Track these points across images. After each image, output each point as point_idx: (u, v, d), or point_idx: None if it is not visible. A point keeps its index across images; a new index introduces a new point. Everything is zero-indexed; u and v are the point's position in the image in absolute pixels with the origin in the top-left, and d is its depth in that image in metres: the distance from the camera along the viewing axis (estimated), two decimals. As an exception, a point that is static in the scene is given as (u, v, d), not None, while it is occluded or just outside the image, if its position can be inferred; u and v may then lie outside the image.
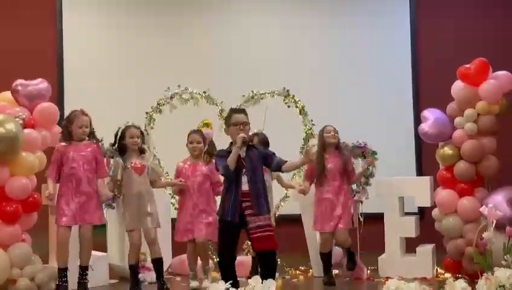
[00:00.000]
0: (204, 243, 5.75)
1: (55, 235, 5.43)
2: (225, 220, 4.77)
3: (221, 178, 5.22)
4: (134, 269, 5.54)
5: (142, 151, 5.66)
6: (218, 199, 5.67)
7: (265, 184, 4.95)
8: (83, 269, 5.41)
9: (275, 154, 4.90)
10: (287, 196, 6.77)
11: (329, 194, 5.79)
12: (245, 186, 4.75)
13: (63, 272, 5.34)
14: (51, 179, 5.40)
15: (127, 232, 5.58)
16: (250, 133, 5.21)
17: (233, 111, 4.98)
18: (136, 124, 5.70)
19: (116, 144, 5.63)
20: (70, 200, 5.33)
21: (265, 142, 5.78)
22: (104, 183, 5.57)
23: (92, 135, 5.53)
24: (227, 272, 4.72)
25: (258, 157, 4.83)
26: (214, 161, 5.32)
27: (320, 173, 5.79)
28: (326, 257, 5.84)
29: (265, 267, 4.75)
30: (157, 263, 5.54)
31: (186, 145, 5.89)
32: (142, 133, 5.71)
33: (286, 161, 4.83)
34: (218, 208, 4.99)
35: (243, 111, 5.00)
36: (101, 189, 5.52)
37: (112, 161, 5.74)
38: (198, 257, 5.89)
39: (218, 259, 4.89)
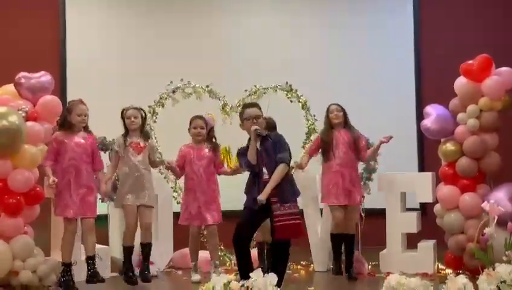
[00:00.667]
0: (214, 229, 5.79)
1: (59, 228, 5.45)
2: (249, 206, 4.85)
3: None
4: (129, 250, 5.55)
5: (143, 132, 5.71)
6: (220, 178, 5.89)
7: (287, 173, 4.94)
8: (91, 259, 5.43)
9: (284, 148, 4.90)
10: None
11: (339, 167, 5.78)
12: (266, 177, 4.81)
13: (68, 267, 5.38)
14: (49, 167, 5.40)
15: (123, 209, 5.61)
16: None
17: (246, 106, 5.08)
18: (136, 106, 5.73)
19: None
20: (72, 192, 5.36)
21: (273, 126, 5.78)
22: (104, 178, 5.61)
23: (86, 128, 5.56)
24: (239, 252, 4.75)
25: (273, 148, 4.86)
26: (215, 146, 5.79)
27: (327, 148, 5.79)
28: (337, 240, 5.81)
29: (275, 254, 4.79)
30: (146, 247, 5.61)
31: (189, 130, 5.94)
32: (144, 114, 5.75)
33: (281, 163, 4.81)
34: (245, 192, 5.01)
35: (255, 105, 5.08)
36: (102, 185, 5.57)
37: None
38: (197, 249, 5.92)
39: (233, 240, 4.86)
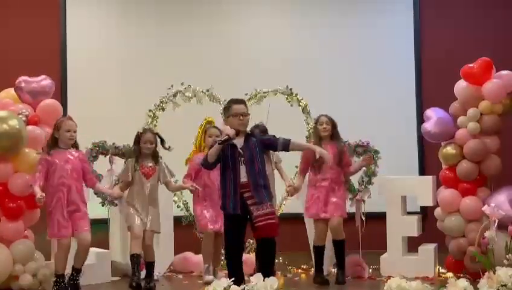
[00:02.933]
0: (220, 237, 5.78)
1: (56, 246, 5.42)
2: (228, 214, 4.79)
3: None
4: (134, 259, 5.54)
5: (155, 157, 5.65)
6: None
7: (265, 173, 4.93)
8: (77, 271, 5.40)
9: (275, 136, 4.89)
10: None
11: (325, 182, 5.74)
12: (243, 178, 4.76)
13: (62, 277, 5.34)
14: (38, 186, 5.24)
15: (128, 227, 5.61)
16: (253, 125, 5.20)
17: (233, 102, 4.95)
18: (152, 129, 5.75)
19: (134, 146, 5.67)
20: (63, 211, 5.29)
21: (264, 132, 5.76)
22: (102, 186, 5.61)
23: (74, 144, 5.48)
24: (234, 268, 4.73)
25: (257, 147, 4.82)
26: None
27: (317, 161, 5.70)
28: (320, 252, 5.77)
29: (264, 255, 4.75)
30: (149, 265, 5.58)
31: (203, 140, 5.96)
32: (159, 137, 5.68)
33: (290, 140, 4.81)
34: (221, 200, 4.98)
35: (242, 102, 4.98)
36: (104, 191, 5.59)
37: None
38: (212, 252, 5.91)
39: (225, 255, 4.88)
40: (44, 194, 5.19)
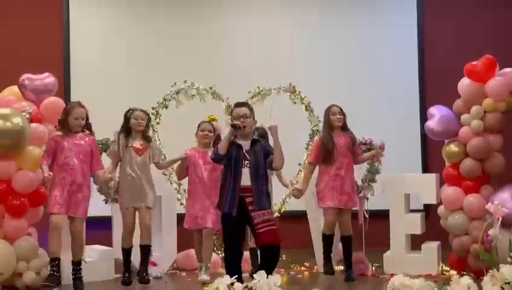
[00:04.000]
0: (208, 233, 5.78)
1: (63, 230, 5.44)
2: (224, 213, 4.78)
3: None
4: (127, 252, 5.56)
5: (146, 137, 5.71)
6: None
7: (268, 179, 4.95)
8: (76, 264, 5.43)
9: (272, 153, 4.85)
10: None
11: (339, 171, 5.73)
12: (246, 182, 4.74)
13: (55, 261, 5.31)
14: (46, 164, 5.36)
15: (121, 211, 5.64)
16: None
17: (235, 105, 5.00)
18: (142, 108, 5.76)
19: (123, 124, 5.71)
20: (63, 189, 5.35)
21: (263, 135, 5.79)
22: (103, 173, 5.60)
23: (88, 127, 5.55)
24: (232, 270, 4.71)
25: (262, 153, 4.83)
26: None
27: (328, 152, 5.73)
28: (329, 240, 5.77)
29: (268, 261, 4.73)
30: (144, 249, 5.59)
31: (196, 134, 5.95)
32: (148, 117, 5.77)
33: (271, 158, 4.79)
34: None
35: (244, 104, 5.00)
36: (100, 175, 5.58)
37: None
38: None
39: (224, 255, 4.89)
40: (52, 173, 5.28)
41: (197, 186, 5.84)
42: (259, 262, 4.98)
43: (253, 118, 4.92)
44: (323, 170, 5.83)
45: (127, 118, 5.69)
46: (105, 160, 5.82)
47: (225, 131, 5.98)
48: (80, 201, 5.41)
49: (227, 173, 4.82)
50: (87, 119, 5.55)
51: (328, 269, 5.71)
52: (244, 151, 4.79)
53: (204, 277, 5.68)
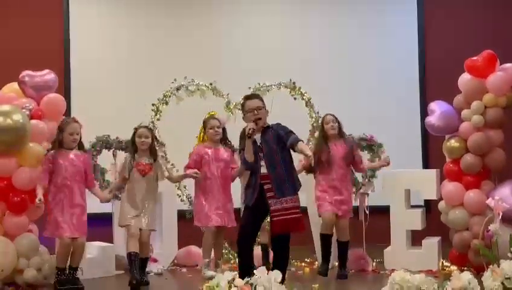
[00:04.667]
0: (222, 231, 5.81)
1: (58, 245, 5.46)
2: (247, 205, 4.83)
3: (238, 163, 5.44)
4: (131, 257, 5.56)
5: (152, 152, 5.64)
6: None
7: (289, 163, 4.87)
8: (74, 269, 5.44)
9: (290, 132, 4.83)
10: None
11: (335, 182, 5.75)
12: (264, 171, 4.76)
13: (62, 270, 5.39)
14: (42, 186, 5.34)
15: (122, 225, 5.61)
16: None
17: (246, 98, 4.99)
18: (147, 125, 5.75)
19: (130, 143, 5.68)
20: (63, 211, 5.33)
21: None
22: (97, 190, 5.63)
23: (80, 145, 5.53)
24: (243, 259, 4.72)
25: (274, 139, 4.81)
26: (233, 149, 5.74)
27: (323, 162, 5.73)
28: (327, 240, 5.77)
29: (276, 251, 4.75)
30: (143, 261, 5.56)
31: (204, 132, 5.95)
32: (152, 134, 5.73)
33: (299, 142, 4.75)
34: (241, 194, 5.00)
35: (256, 96, 5.01)
36: (98, 194, 5.59)
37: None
38: (212, 247, 5.91)
39: (236, 244, 4.86)
40: (42, 199, 5.26)
41: (211, 184, 5.82)
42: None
43: (266, 108, 4.91)
44: (320, 179, 5.84)
45: (133, 136, 5.63)
46: (107, 158, 5.81)
47: (225, 120, 6.02)
48: (84, 222, 5.43)
49: (252, 169, 4.87)
50: (80, 136, 5.50)
51: (323, 270, 5.67)
52: (258, 144, 4.81)
53: (208, 273, 5.69)
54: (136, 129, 5.63)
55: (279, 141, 4.81)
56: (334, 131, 5.83)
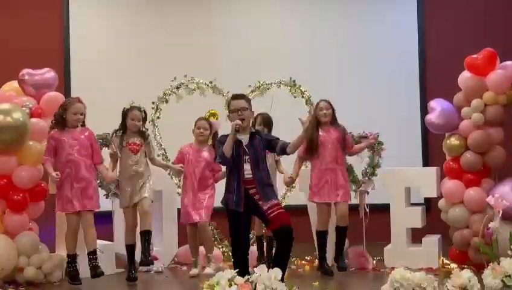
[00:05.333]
0: (203, 226, 5.82)
1: (64, 225, 5.46)
2: (230, 209, 4.77)
3: (222, 166, 5.36)
4: (130, 249, 5.58)
5: (142, 134, 5.71)
6: (217, 185, 5.88)
7: (269, 171, 4.93)
8: (92, 254, 5.44)
9: (278, 138, 4.86)
10: (293, 186, 6.76)
11: (330, 164, 5.74)
12: (248, 175, 4.73)
13: (73, 257, 5.40)
14: (50, 163, 5.39)
15: (121, 209, 5.68)
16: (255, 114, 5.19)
17: (232, 97, 4.93)
18: (139, 106, 5.74)
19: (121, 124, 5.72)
20: (71, 186, 5.36)
21: (267, 122, 5.86)
22: (106, 168, 5.63)
23: (82, 124, 5.55)
24: (239, 264, 4.71)
25: (261, 145, 4.81)
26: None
27: (315, 146, 5.73)
28: (323, 237, 5.80)
29: (282, 243, 4.68)
30: (145, 234, 5.55)
31: (193, 131, 5.98)
32: (145, 114, 5.78)
33: (289, 143, 4.76)
34: (223, 195, 4.96)
35: (242, 97, 4.93)
36: (104, 173, 5.60)
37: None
38: (196, 246, 5.98)
39: (231, 251, 4.89)
40: (59, 173, 5.29)
41: (189, 182, 5.90)
42: (273, 248, 5.04)
43: (251, 110, 4.88)
44: (314, 164, 5.85)
45: (124, 117, 5.67)
46: (107, 156, 5.82)
47: (217, 126, 6.03)
48: (92, 195, 5.45)
49: (232, 170, 4.80)
50: (84, 116, 5.53)
51: (326, 270, 5.72)
52: (244, 146, 4.77)
53: (193, 271, 5.80)
54: (128, 110, 5.64)
55: (267, 146, 4.82)
56: (326, 118, 5.82)
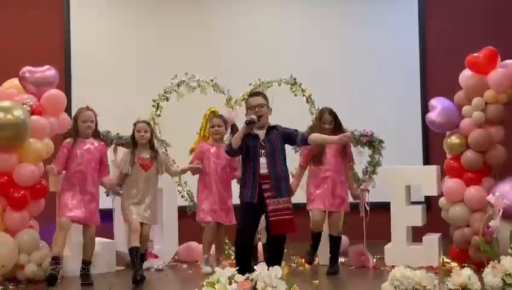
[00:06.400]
0: (223, 228, 5.88)
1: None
2: (244, 201, 4.83)
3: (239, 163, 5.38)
4: (132, 251, 5.55)
5: (152, 147, 5.67)
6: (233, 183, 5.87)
7: (286, 165, 4.95)
8: (86, 264, 5.48)
9: (296, 130, 4.94)
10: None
11: (329, 172, 5.75)
12: (264, 169, 4.79)
13: (56, 260, 5.32)
14: (56, 167, 5.41)
15: (124, 219, 5.64)
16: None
17: (250, 95, 5.09)
18: (145, 119, 5.76)
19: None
20: (75, 196, 5.38)
21: None
22: (107, 179, 5.64)
23: (97, 134, 5.59)
24: (241, 256, 4.74)
25: (278, 139, 4.86)
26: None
27: (318, 153, 5.75)
28: (316, 238, 5.83)
29: (272, 250, 4.80)
30: (141, 256, 5.55)
31: (208, 128, 6.00)
32: (151, 128, 5.77)
33: (309, 134, 4.89)
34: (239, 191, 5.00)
35: (259, 94, 5.06)
36: (105, 182, 5.62)
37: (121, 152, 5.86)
38: (211, 243, 5.96)
39: (234, 243, 4.90)
40: (54, 166, 5.35)
41: (210, 180, 5.86)
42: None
43: (268, 106, 4.94)
44: (313, 171, 5.84)
45: (133, 131, 5.66)
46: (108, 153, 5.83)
47: (232, 118, 6.04)
48: (94, 210, 5.48)
49: (247, 164, 4.87)
50: (96, 124, 5.56)
51: (311, 258, 5.85)
52: (260, 140, 4.83)
53: (206, 269, 5.74)
54: (135, 125, 5.65)
55: (285, 139, 4.88)
56: (330, 126, 5.80)
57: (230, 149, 4.92)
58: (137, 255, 5.41)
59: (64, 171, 5.50)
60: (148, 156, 5.62)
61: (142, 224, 5.53)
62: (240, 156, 5.04)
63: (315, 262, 6.22)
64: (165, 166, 5.74)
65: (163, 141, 6.46)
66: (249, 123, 4.78)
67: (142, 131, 5.60)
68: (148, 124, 5.73)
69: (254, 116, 4.79)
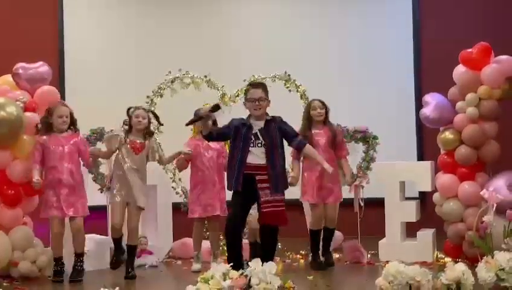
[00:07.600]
0: (215, 221, 5.83)
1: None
2: (233, 191, 4.82)
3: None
4: (116, 241, 5.58)
5: (148, 134, 5.67)
6: None
7: (284, 158, 4.93)
8: (78, 256, 5.46)
9: (295, 135, 4.93)
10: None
11: (319, 166, 5.61)
12: (260, 161, 4.76)
13: (58, 260, 5.40)
14: (36, 169, 5.37)
15: (110, 203, 5.64)
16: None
17: (250, 86, 5.00)
18: (145, 107, 5.76)
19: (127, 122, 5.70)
20: (55, 193, 5.35)
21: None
22: (94, 149, 5.73)
23: (73, 124, 5.53)
24: (231, 245, 4.74)
25: (276, 131, 4.83)
26: None
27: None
28: (316, 236, 5.81)
29: (264, 242, 4.80)
30: (130, 249, 5.59)
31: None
32: (153, 114, 5.78)
33: (306, 144, 4.89)
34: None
35: (260, 86, 4.97)
36: (89, 156, 5.61)
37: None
38: (201, 240, 5.95)
39: (224, 231, 4.89)
40: (39, 179, 5.30)
41: (203, 175, 5.83)
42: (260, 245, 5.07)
43: (268, 99, 4.90)
44: (306, 164, 5.82)
45: (129, 116, 5.63)
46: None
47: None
48: (75, 202, 5.41)
49: (234, 153, 4.83)
50: (72, 118, 5.51)
51: (318, 265, 5.75)
52: (255, 131, 4.79)
53: (196, 266, 5.77)
54: (133, 109, 5.61)
55: (282, 135, 4.86)
56: (320, 118, 5.80)
57: (211, 135, 4.95)
58: (119, 244, 5.54)
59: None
60: (140, 141, 5.61)
61: (129, 208, 5.53)
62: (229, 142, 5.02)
63: (309, 258, 6.22)
64: (158, 154, 5.73)
65: (158, 127, 6.41)
66: (215, 109, 4.77)
67: (140, 117, 5.58)
68: (147, 111, 5.72)
69: (220, 104, 4.83)
